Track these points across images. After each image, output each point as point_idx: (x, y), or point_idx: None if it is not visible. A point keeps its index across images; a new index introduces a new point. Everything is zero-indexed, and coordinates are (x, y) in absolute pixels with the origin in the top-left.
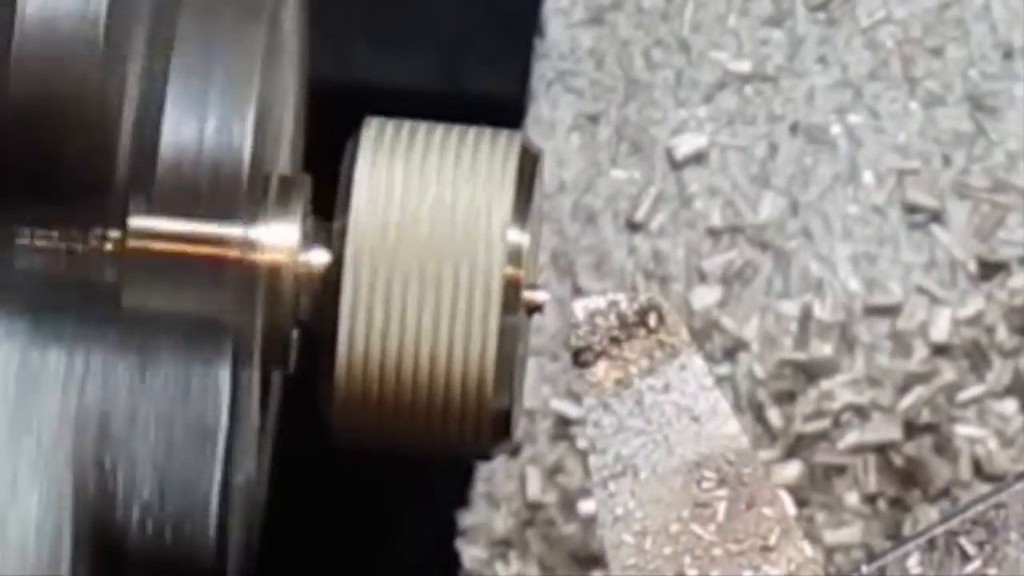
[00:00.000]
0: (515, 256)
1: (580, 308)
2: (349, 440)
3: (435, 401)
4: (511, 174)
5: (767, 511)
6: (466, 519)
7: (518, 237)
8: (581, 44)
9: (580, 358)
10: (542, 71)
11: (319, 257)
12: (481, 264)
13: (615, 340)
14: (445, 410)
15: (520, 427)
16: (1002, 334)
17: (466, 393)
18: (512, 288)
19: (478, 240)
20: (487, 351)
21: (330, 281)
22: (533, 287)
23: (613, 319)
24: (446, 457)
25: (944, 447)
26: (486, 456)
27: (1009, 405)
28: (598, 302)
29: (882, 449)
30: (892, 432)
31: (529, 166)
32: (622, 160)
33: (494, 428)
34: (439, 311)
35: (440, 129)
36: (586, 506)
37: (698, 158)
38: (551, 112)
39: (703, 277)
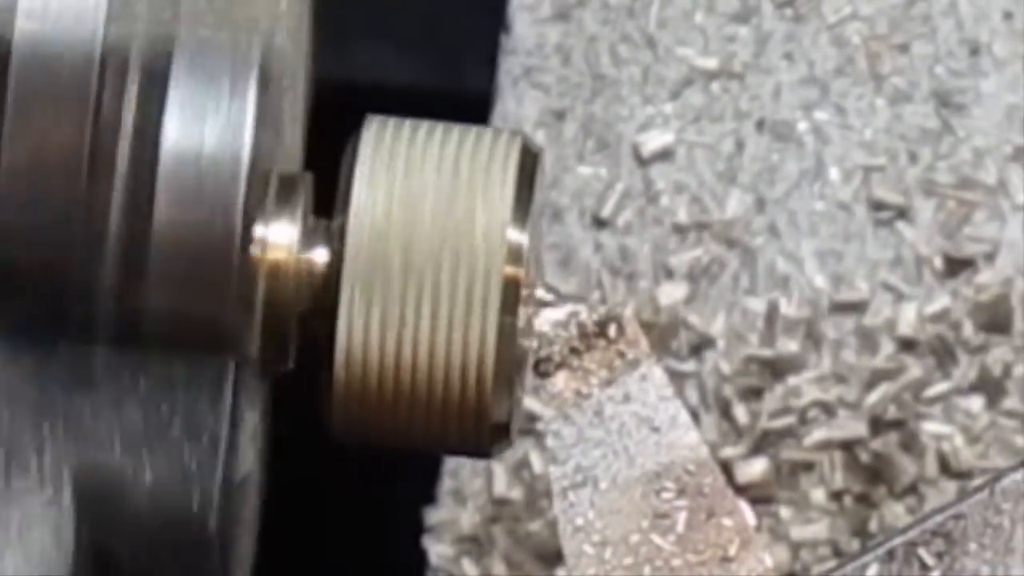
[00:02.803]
0: (515, 255)
1: (540, 318)
2: (348, 438)
3: (434, 399)
4: (511, 173)
5: (727, 521)
6: (432, 516)
7: (518, 236)
8: (548, 40)
9: (540, 368)
10: (508, 67)
11: (319, 255)
12: (481, 263)
13: (575, 351)
14: (444, 408)
15: None
16: (968, 331)
17: (465, 392)
18: (512, 287)
19: (478, 239)
20: (487, 350)
21: (330, 279)
22: (533, 286)
23: (573, 330)
24: (445, 454)
25: (910, 444)
26: (486, 455)
27: (975, 402)
28: (558, 312)
29: (848, 446)
30: (858, 429)
31: (529, 165)
32: (588, 156)
33: (493, 426)
34: (438, 310)
35: (440, 128)
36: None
37: (665, 155)
38: (517, 108)
39: (670, 274)
